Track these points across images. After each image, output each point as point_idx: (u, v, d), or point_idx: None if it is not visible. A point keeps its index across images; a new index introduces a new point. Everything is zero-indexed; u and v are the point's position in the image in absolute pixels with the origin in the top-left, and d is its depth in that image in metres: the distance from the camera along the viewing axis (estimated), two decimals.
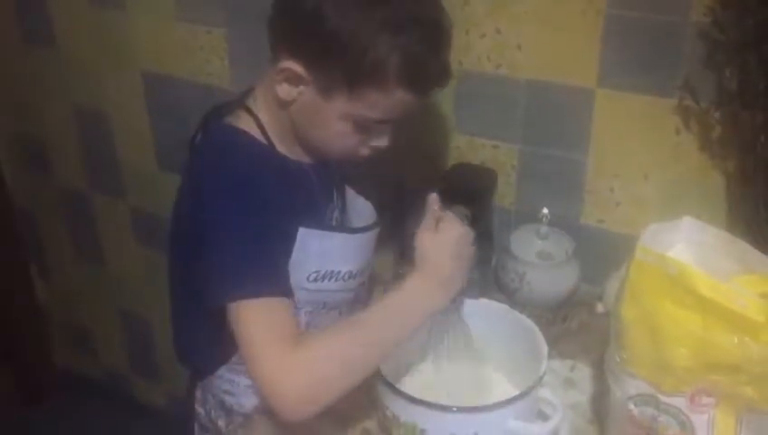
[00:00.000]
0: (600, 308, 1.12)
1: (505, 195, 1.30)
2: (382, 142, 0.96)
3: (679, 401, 0.80)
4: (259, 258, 0.85)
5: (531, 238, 1.16)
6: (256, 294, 0.83)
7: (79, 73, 1.71)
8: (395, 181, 1.38)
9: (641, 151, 1.16)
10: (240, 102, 0.97)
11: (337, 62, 0.85)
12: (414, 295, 0.87)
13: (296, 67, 0.87)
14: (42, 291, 2.18)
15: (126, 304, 2.00)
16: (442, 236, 0.90)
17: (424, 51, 0.86)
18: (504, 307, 0.97)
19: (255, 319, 0.82)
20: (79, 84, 1.73)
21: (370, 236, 1.05)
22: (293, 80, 0.89)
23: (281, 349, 0.80)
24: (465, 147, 1.30)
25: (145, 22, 1.54)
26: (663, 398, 0.81)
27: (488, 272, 1.14)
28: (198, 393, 1.07)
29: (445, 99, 1.27)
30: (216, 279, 0.85)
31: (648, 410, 0.82)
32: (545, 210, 1.13)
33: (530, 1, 1.15)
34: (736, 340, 0.76)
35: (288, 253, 0.92)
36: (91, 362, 2.19)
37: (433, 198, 0.92)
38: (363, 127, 0.92)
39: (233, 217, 0.86)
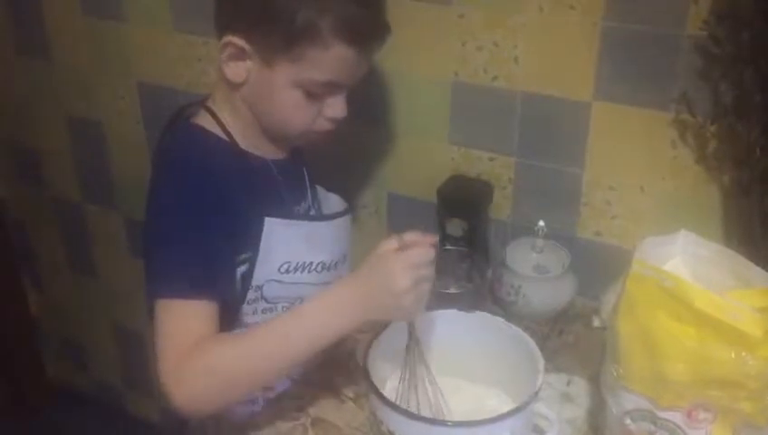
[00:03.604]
0: (596, 322, 1.11)
1: (501, 207, 1.29)
2: (338, 112, 0.96)
3: (676, 416, 0.80)
4: (186, 260, 0.86)
5: (527, 251, 1.15)
6: (172, 295, 0.84)
7: (73, 84, 1.70)
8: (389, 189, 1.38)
9: (637, 164, 1.16)
10: (201, 103, 1.00)
11: (272, 26, 0.88)
12: (331, 311, 0.83)
13: (236, 40, 0.90)
14: (34, 303, 2.16)
15: (119, 316, 1.99)
16: (406, 256, 0.82)
17: (354, 6, 0.88)
18: (499, 320, 0.96)
19: (167, 320, 0.84)
20: (73, 95, 1.72)
21: (340, 225, 1.04)
22: (237, 55, 0.91)
23: (180, 354, 0.81)
24: (461, 159, 1.29)
25: (141, 32, 1.54)
26: (660, 413, 0.80)
27: (484, 285, 1.14)
28: None
29: (441, 110, 1.27)
30: (148, 277, 0.88)
31: (644, 425, 0.82)
32: (541, 223, 1.13)
33: (527, 14, 1.15)
34: (733, 354, 0.75)
35: (253, 249, 0.93)
36: (84, 375, 2.17)
37: (432, 237, 0.86)
38: (314, 94, 0.93)
39: (173, 217, 0.88)
